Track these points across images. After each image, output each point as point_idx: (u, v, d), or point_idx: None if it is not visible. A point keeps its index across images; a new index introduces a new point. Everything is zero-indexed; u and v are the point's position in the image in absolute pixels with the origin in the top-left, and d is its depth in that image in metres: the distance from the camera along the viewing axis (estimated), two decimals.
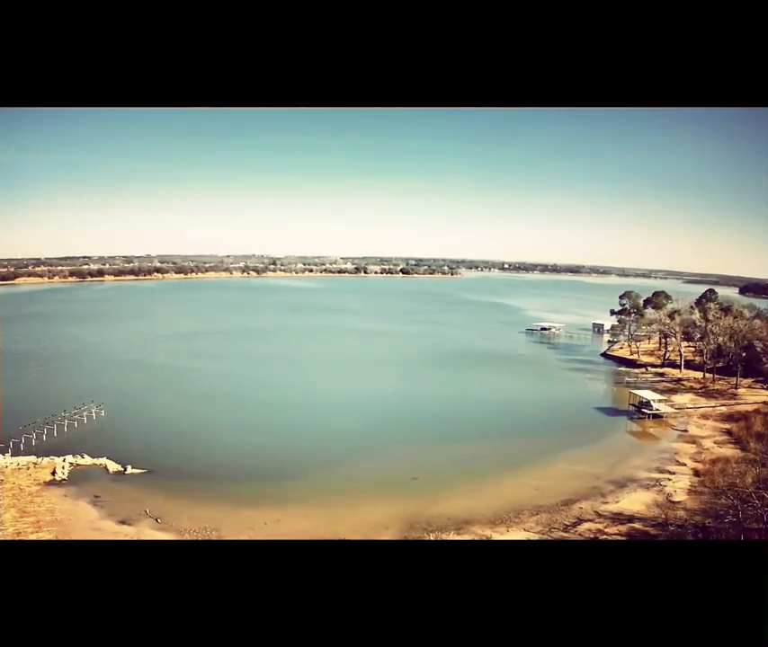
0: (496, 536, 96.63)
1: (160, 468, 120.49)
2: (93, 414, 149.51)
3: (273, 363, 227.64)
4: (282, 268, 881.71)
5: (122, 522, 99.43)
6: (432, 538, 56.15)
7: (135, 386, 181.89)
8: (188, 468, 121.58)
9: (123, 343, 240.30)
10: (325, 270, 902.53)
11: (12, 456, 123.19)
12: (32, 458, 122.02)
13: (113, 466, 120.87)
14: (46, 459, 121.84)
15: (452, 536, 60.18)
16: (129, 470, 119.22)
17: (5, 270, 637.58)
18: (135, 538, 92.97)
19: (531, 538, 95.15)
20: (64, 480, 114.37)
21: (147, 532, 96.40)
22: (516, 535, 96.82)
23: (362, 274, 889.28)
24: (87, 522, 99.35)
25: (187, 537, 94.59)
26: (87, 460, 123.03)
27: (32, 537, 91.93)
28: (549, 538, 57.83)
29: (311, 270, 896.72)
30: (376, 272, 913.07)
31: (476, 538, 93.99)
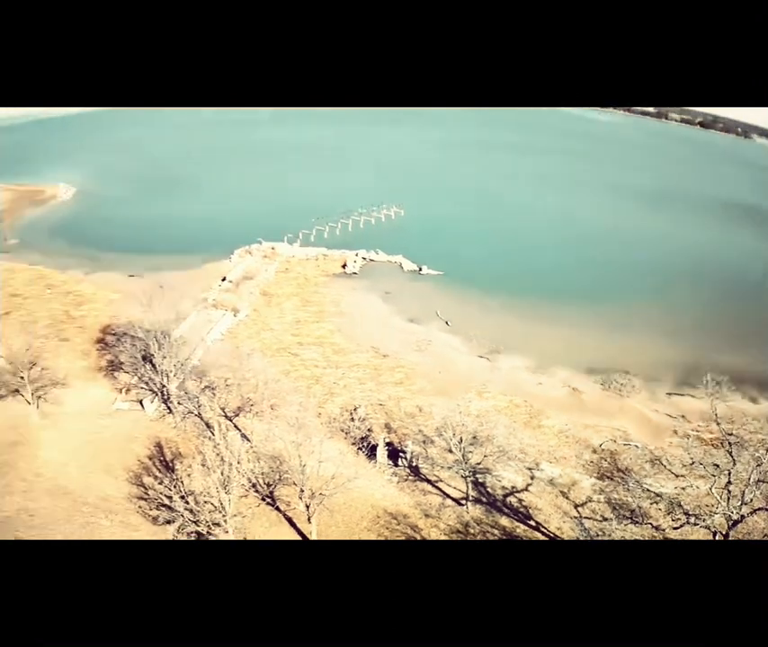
0: None
1: (457, 272, 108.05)
2: (393, 214, 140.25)
3: None
4: None
5: (411, 321, 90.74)
6: None
7: (434, 189, 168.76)
8: (486, 275, 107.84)
9: (418, 148, 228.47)
10: None
11: (300, 246, 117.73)
12: (323, 250, 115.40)
13: (408, 265, 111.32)
14: (337, 252, 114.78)
15: None
16: (425, 270, 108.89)
17: None
18: (422, 337, 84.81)
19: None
20: (354, 273, 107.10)
21: (435, 333, 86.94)
22: None
23: None
24: (375, 316, 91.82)
25: (474, 346, 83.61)
26: (382, 256, 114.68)
27: (313, 327, 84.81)
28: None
29: None
30: None
31: None
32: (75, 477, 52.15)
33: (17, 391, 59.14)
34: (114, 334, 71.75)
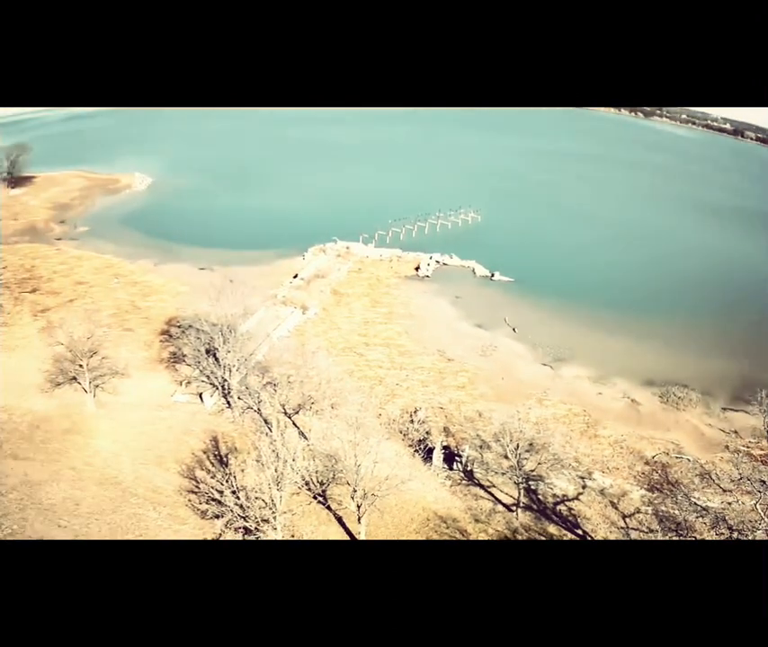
0: None
1: (528, 280, 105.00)
2: (469, 219, 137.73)
3: None
4: None
5: (479, 326, 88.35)
6: None
7: (513, 197, 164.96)
8: (556, 284, 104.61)
9: (498, 154, 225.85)
10: None
11: (375, 247, 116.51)
12: (397, 252, 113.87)
13: (481, 270, 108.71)
14: (412, 254, 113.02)
15: None
16: (497, 276, 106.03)
17: None
18: (488, 343, 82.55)
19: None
20: (427, 276, 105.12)
21: (501, 340, 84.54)
22: None
23: None
24: (444, 320, 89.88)
25: (539, 353, 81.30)
26: (456, 260, 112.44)
27: (381, 328, 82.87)
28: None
29: None
30: None
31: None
32: (126, 468, 51.69)
33: (74, 379, 58.97)
34: (179, 326, 71.80)
